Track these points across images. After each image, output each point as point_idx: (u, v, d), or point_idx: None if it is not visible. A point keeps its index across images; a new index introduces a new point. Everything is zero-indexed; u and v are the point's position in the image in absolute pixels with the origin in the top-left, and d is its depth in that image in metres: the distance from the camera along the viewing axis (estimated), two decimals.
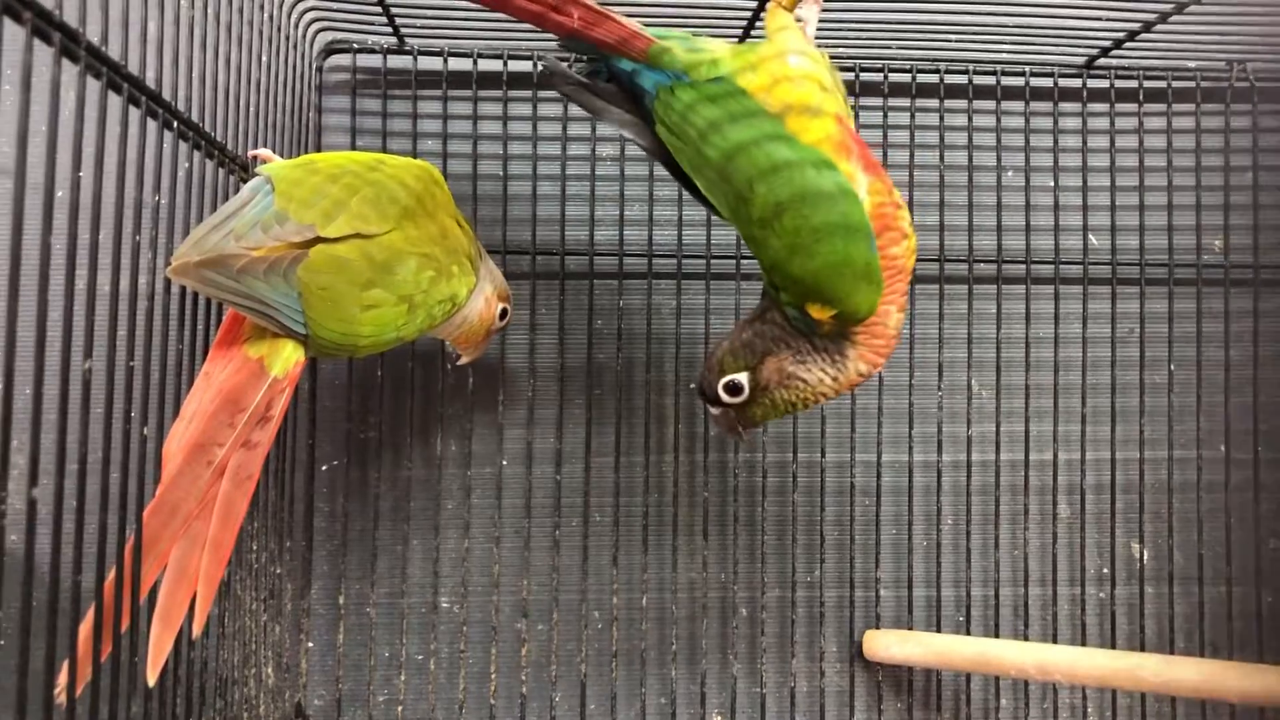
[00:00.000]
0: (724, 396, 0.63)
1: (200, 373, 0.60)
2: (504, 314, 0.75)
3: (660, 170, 0.86)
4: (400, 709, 0.83)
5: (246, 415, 0.58)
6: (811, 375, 0.62)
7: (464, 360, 0.78)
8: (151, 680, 0.54)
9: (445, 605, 0.84)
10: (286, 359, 0.60)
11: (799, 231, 0.57)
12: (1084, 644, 0.87)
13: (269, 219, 0.59)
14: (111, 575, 0.51)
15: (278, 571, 0.79)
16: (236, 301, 0.57)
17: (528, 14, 0.65)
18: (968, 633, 0.87)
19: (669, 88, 0.62)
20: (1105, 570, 0.89)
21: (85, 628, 0.49)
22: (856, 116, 0.88)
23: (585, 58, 0.68)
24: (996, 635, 0.87)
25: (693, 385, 0.85)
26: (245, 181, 0.69)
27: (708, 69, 0.61)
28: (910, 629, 0.86)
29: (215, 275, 0.56)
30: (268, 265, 0.57)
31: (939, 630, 0.87)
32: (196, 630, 0.57)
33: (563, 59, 0.78)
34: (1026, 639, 0.87)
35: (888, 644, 0.82)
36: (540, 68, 0.75)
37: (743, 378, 0.63)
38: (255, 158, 0.70)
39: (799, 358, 0.62)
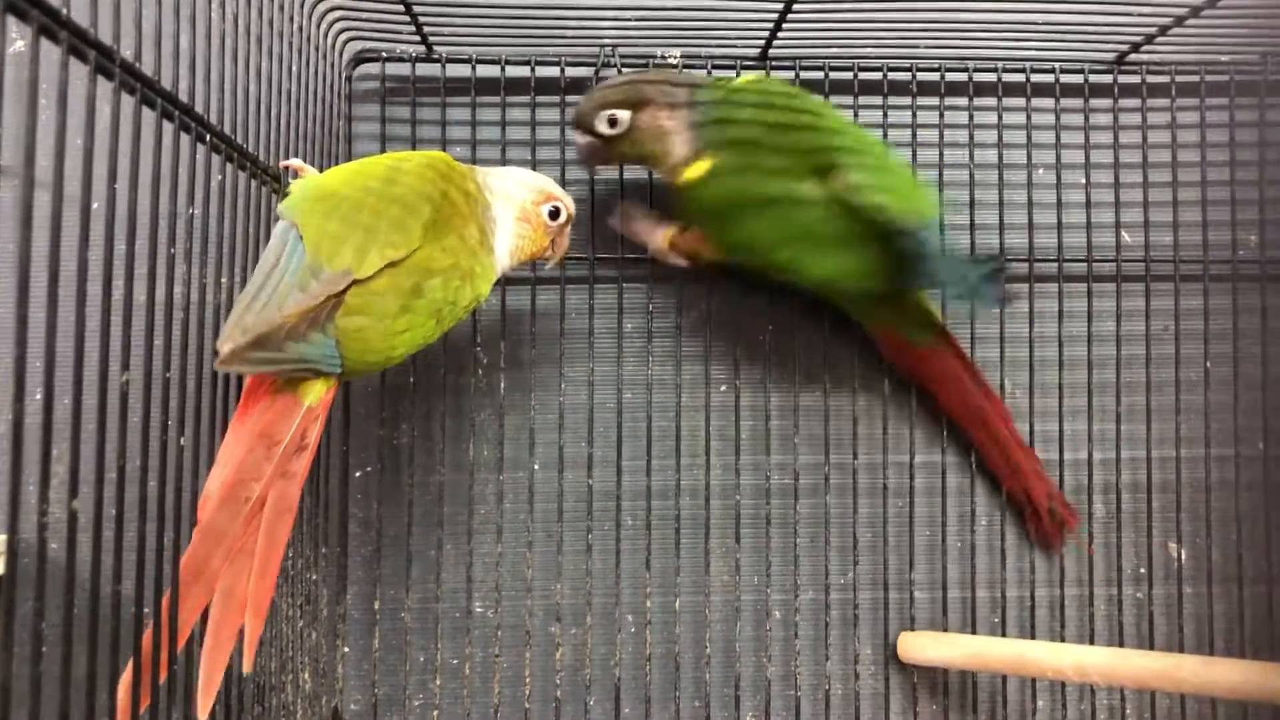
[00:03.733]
0: (603, 128, 0.76)
1: (235, 413, 0.60)
2: (555, 213, 0.73)
3: None
4: (436, 713, 0.83)
5: (282, 447, 0.58)
6: (675, 132, 0.75)
7: (552, 264, 0.78)
8: (202, 716, 0.54)
9: (479, 610, 0.85)
10: (318, 387, 0.60)
11: None
12: (1121, 645, 0.86)
13: (304, 275, 0.58)
14: (149, 631, 0.51)
15: (313, 578, 0.80)
16: (282, 369, 0.57)
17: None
18: (1003, 634, 0.86)
19: None
20: (1142, 570, 0.88)
21: (124, 684, 0.50)
22: (885, 116, 0.88)
23: None
24: (1032, 636, 0.86)
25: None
26: (276, 193, 0.70)
27: None
28: (945, 630, 0.86)
29: (263, 354, 0.56)
30: (308, 324, 0.57)
31: (974, 632, 0.86)
32: (248, 666, 0.57)
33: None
34: (1063, 640, 0.86)
35: (923, 646, 0.82)
36: None
37: (623, 114, 0.75)
38: (287, 168, 0.70)
39: (675, 116, 0.75)
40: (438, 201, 0.64)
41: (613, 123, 0.75)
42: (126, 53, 0.49)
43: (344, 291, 0.58)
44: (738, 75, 0.86)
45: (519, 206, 0.72)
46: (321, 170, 0.75)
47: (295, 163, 0.70)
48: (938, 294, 0.74)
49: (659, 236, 0.83)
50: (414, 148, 0.86)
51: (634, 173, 0.88)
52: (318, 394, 0.60)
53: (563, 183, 0.86)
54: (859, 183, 0.71)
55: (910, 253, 0.71)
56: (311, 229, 0.60)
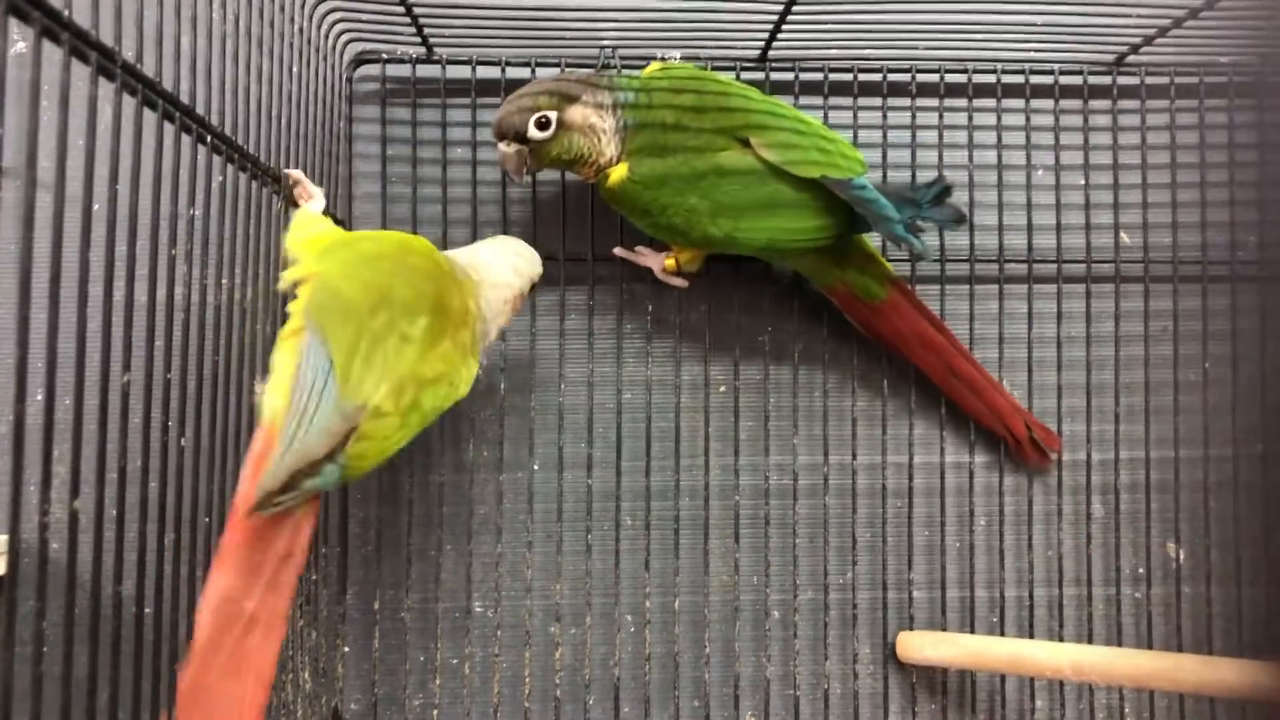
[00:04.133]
0: (534, 132, 0.73)
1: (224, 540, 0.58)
2: (531, 287, 0.76)
3: None
4: (435, 713, 0.83)
5: (270, 560, 0.57)
6: (602, 125, 0.75)
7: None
8: None
9: (478, 610, 0.85)
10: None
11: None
12: (1120, 645, 0.86)
13: (334, 412, 0.57)
14: None
15: (313, 578, 0.80)
16: (293, 503, 0.56)
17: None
18: (1002, 634, 0.86)
19: None
20: (1141, 570, 0.88)
21: None
22: (885, 117, 0.88)
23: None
24: (1031, 636, 0.86)
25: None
26: (277, 194, 0.70)
27: None
28: (944, 630, 0.86)
29: (285, 496, 0.55)
30: (325, 459, 0.56)
31: (972, 631, 0.86)
32: None
33: None
34: (1061, 640, 0.86)
35: (921, 645, 0.82)
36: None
37: (552, 114, 0.73)
38: (289, 177, 0.71)
39: (601, 111, 0.75)
40: (434, 303, 0.63)
41: (544, 124, 0.73)
42: (128, 54, 0.49)
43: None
44: (737, 76, 0.86)
45: (515, 292, 0.73)
46: (322, 184, 0.75)
47: (296, 173, 0.71)
48: (893, 236, 0.74)
49: (659, 262, 0.84)
50: (414, 148, 0.86)
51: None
52: (304, 504, 0.58)
53: (562, 176, 0.86)
54: (777, 156, 0.74)
55: (850, 198, 0.73)
56: (341, 353, 0.58)
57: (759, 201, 0.75)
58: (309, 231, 0.68)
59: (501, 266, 0.73)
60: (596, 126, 0.75)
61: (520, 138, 0.74)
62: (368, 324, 0.59)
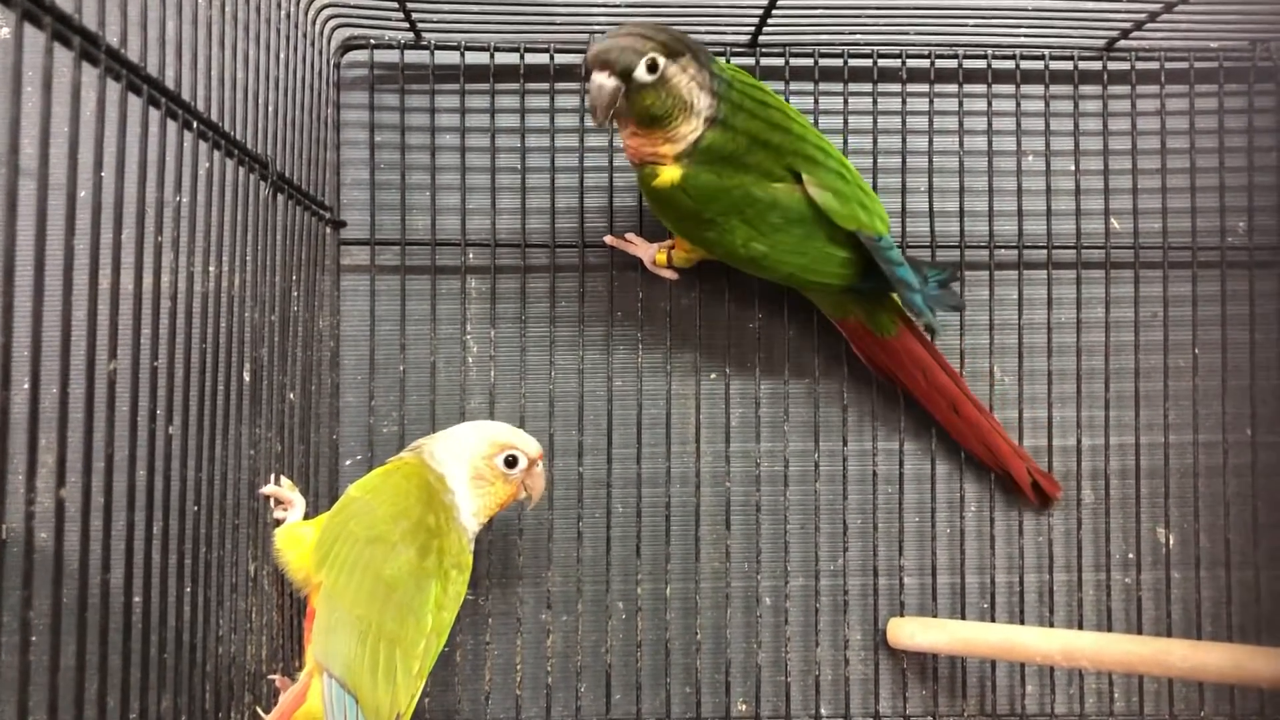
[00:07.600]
0: (642, 74, 0.67)
1: None
2: (511, 461, 0.72)
3: None
4: (426, 700, 0.83)
5: None
6: (698, 101, 0.70)
7: (532, 506, 0.78)
8: None
9: (469, 597, 0.84)
10: None
11: None
12: (1110, 630, 0.86)
13: None
14: None
15: None
16: None
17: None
18: (992, 619, 0.87)
19: None
20: (1131, 555, 0.88)
21: None
22: (875, 103, 0.88)
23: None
24: (1021, 622, 0.87)
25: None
26: (265, 179, 0.70)
27: None
28: (934, 616, 0.86)
29: None
30: None
31: (963, 617, 0.86)
32: None
33: None
34: (1052, 625, 0.87)
35: (912, 631, 0.82)
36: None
37: (662, 60, 0.67)
38: (262, 496, 0.72)
39: (701, 84, 0.70)
40: (428, 529, 0.68)
41: (653, 67, 0.67)
42: (112, 39, 0.48)
43: None
44: (728, 61, 0.86)
45: (470, 466, 0.71)
46: (310, 170, 0.74)
47: (269, 489, 0.73)
48: (909, 304, 0.75)
49: (650, 253, 0.84)
50: (402, 136, 0.86)
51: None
52: None
53: (551, 163, 0.86)
54: (826, 202, 0.74)
55: (878, 258, 0.74)
56: (360, 687, 0.62)
57: (794, 238, 0.75)
58: (297, 549, 0.70)
59: (456, 433, 0.74)
60: (694, 86, 0.70)
61: (626, 74, 0.67)
62: (377, 638, 0.63)
